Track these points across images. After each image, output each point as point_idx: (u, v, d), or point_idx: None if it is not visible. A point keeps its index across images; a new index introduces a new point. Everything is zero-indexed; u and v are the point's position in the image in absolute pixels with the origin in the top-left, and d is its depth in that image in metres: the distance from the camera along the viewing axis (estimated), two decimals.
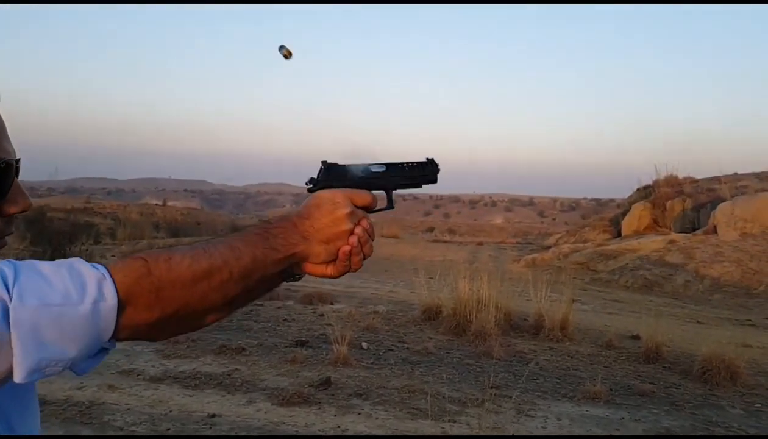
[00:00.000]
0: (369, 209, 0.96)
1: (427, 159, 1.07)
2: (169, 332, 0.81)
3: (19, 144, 0.87)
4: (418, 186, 1.07)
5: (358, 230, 0.92)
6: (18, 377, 0.67)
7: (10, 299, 0.66)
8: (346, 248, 0.91)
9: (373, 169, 1.01)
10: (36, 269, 0.71)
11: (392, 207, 1.05)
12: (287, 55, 1.05)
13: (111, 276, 0.73)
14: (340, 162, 0.99)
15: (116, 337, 0.74)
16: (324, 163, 0.98)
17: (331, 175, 0.97)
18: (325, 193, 0.92)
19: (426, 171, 1.06)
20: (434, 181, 1.07)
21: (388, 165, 1.03)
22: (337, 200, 0.91)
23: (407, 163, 1.05)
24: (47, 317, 0.67)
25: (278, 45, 1.06)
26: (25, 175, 0.89)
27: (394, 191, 1.06)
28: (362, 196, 0.94)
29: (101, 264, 0.76)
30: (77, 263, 0.74)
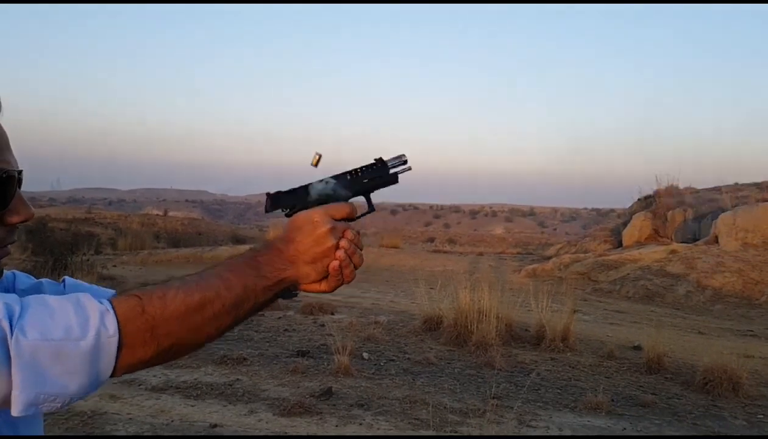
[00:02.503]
0: (351, 219, 0.96)
1: (375, 160, 1.04)
2: (162, 362, 0.82)
3: (21, 155, 0.89)
4: (376, 189, 1.04)
5: (343, 243, 0.92)
6: (15, 410, 0.68)
7: (12, 332, 0.67)
8: (335, 263, 0.91)
9: (319, 187, 1.00)
10: (43, 303, 0.72)
11: (373, 210, 1.03)
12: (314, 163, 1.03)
13: (114, 310, 0.75)
14: (285, 188, 1.00)
15: (113, 374, 0.75)
16: (267, 194, 0.98)
17: (277, 205, 0.98)
18: (302, 215, 0.92)
19: (378, 174, 1.03)
20: (394, 181, 1.04)
21: (337, 177, 1.01)
22: (315, 219, 0.91)
23: (352, 170, 1.02)
24: (47, 351, 0.69)
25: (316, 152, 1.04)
26: (27, 186, 0.90)
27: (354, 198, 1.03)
28: (340, 208, 0.94)
29: (106, 300, 0.77)
30: (83, 297, 0.75)
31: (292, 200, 0.99)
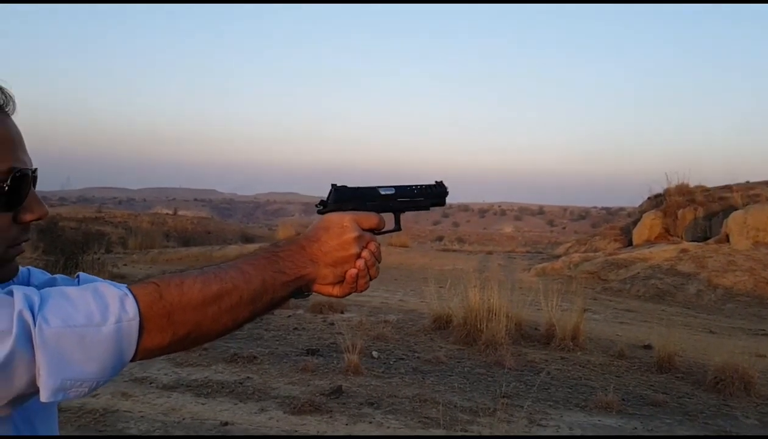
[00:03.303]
0: (376, 231, 0.97)
1: (436, 182, 1.08)
2: (180, 350, 0.84)
3: (32, 154, 0.90)
4: (427, 209, 1.08)
5: (365, 254, 0.93)
6: (43, 396, 0.70)
7: (34, 321, 0.69)
8: (353, 271, 0.93)
9: (383, 192, 1.02)
10: (63, 293, 0.74)
11: (399, 229, 1.05)
12: None
13: (133, 294, 0.76)
14: (350, 185, 1.01)
15: (133, 358, 0.77)
16: (334, 186, 0.99)
17: (341, 198, 0.98)
18: (333, 216, 0.94)
19: (435, 194, 1.08)
20: (443, 203, 1.09)
21: (397, 188, 1.04)
22: (345, 224, 0.92)
23: (416, 186, 1.06)
24: (71, 338, 0.70)
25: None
26: (38, 185, 0.92)
27: (402, 213, 1.06)
28: (369, 218, 0.96)
29: (124, 286, 0.79)
30: (102, 285, 0.77)
31: (353, 196, 1.00)
